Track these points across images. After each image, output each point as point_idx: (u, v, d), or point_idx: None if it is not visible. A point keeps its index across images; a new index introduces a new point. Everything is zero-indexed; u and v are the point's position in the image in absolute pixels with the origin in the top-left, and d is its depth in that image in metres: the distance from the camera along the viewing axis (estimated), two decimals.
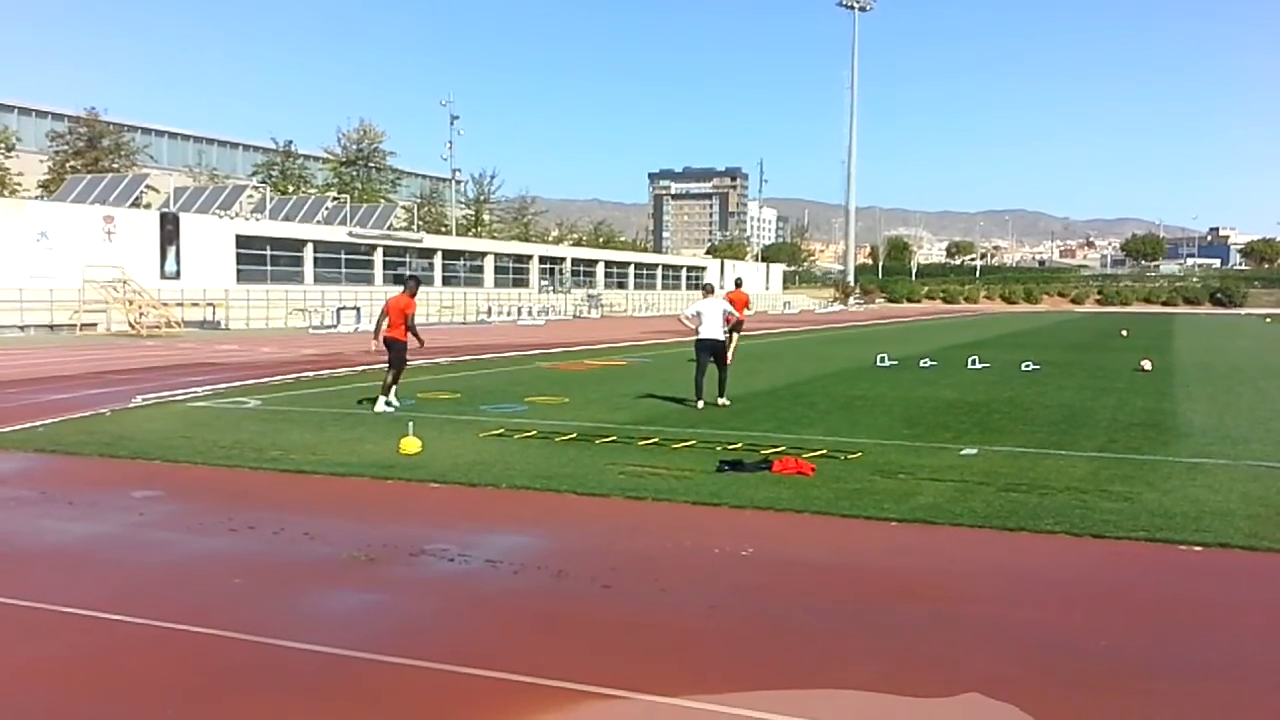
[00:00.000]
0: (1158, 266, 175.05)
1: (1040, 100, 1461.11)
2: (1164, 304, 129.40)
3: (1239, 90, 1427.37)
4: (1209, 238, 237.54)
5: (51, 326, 39.25)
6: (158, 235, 45.69)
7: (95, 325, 40.74)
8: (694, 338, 16.07)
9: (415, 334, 15.30)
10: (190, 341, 34.97)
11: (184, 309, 43.53)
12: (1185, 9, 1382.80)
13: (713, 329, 15.86)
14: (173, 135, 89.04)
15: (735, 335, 23.55)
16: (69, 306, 40.06)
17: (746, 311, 24.62)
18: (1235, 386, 20.13)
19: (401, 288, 15.55)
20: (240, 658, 5.25)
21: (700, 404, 15.74)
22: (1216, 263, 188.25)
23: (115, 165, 67.54)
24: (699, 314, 16.04)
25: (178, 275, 45.90)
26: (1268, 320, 72.40)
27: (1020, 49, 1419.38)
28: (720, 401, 16.00)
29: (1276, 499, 9.05)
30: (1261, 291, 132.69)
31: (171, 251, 46.13)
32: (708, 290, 16.75)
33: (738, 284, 26.16)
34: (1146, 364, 24.41)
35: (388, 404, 15.06)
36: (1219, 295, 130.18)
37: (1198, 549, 7.45)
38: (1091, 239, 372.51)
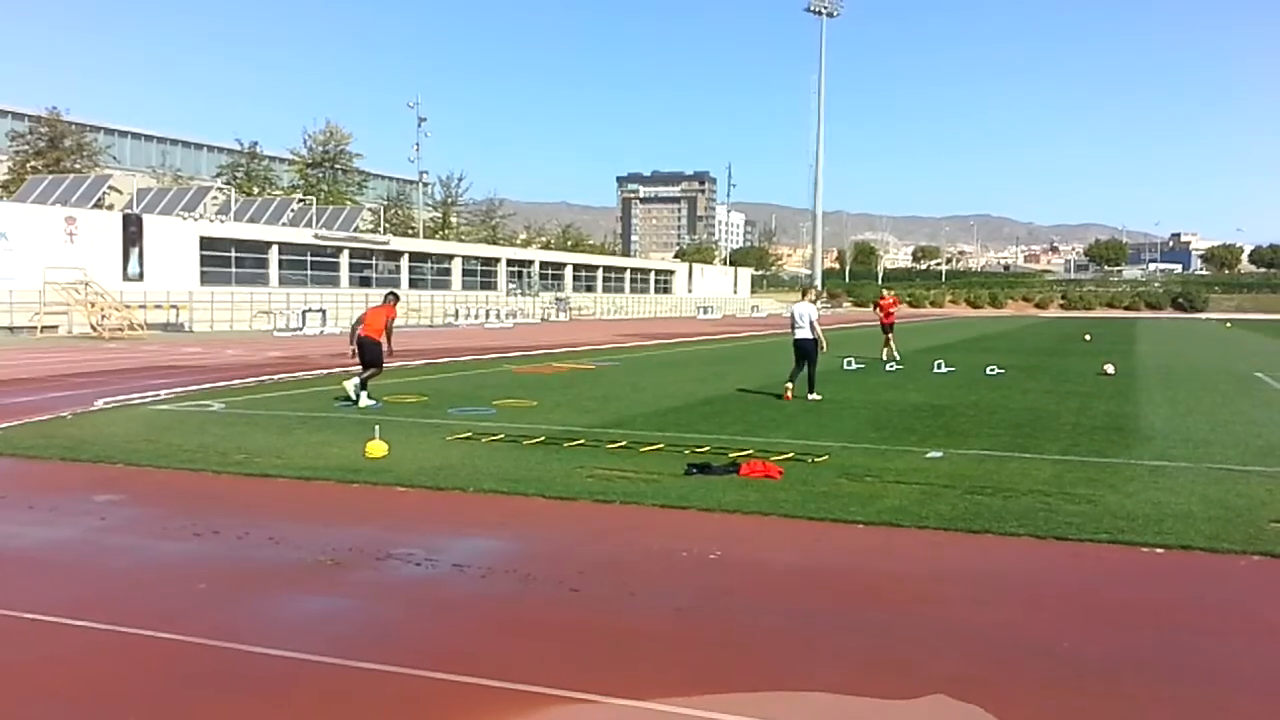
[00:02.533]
0: (1120, 272, 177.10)
1: (1005, 106, 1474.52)
2: (1127, 309, 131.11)
3: (1201, 98, 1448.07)
4: (1171, 243, 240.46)
5: (11, 328, 38.72)
6: (120, 237, 45.25)
7: (56, 327, 40.24)
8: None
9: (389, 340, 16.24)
10: (153, 344, 34.61)
11: (147, 311, 43.09)
12: (1150, 18, 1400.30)
13: (802, 329, 17.35)
14: (136, 136, 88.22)
15: (890, 334, 28.30)
16: (29, 308, 39.57)
17: (894, 311, 29.40)
18: (1196, 390, 20.39)
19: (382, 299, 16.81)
20: (205, 663, 5.20)
21: (789, 394, 17.21)
22: (1178, 268, 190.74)
23: (77, 166, 66.82)
24: (792, 315, 17.72)
25: (141, 277, 45.47)
26: (1228, 325, 73.42)
27: (986, 56, 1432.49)
28: (811, 397, 17.19)
29: (1237, 501, 9.17)
30: (1222, 296, 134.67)
31: (134, 253, 45.70)
32: (804, 291, 18.40)
33: (888, 292, 31.48)
34: (1109, 368, 24.66)
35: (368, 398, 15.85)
36: (1180, 300, 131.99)
37: (1160, 551, 7.53)
38: (1055, 244, 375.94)
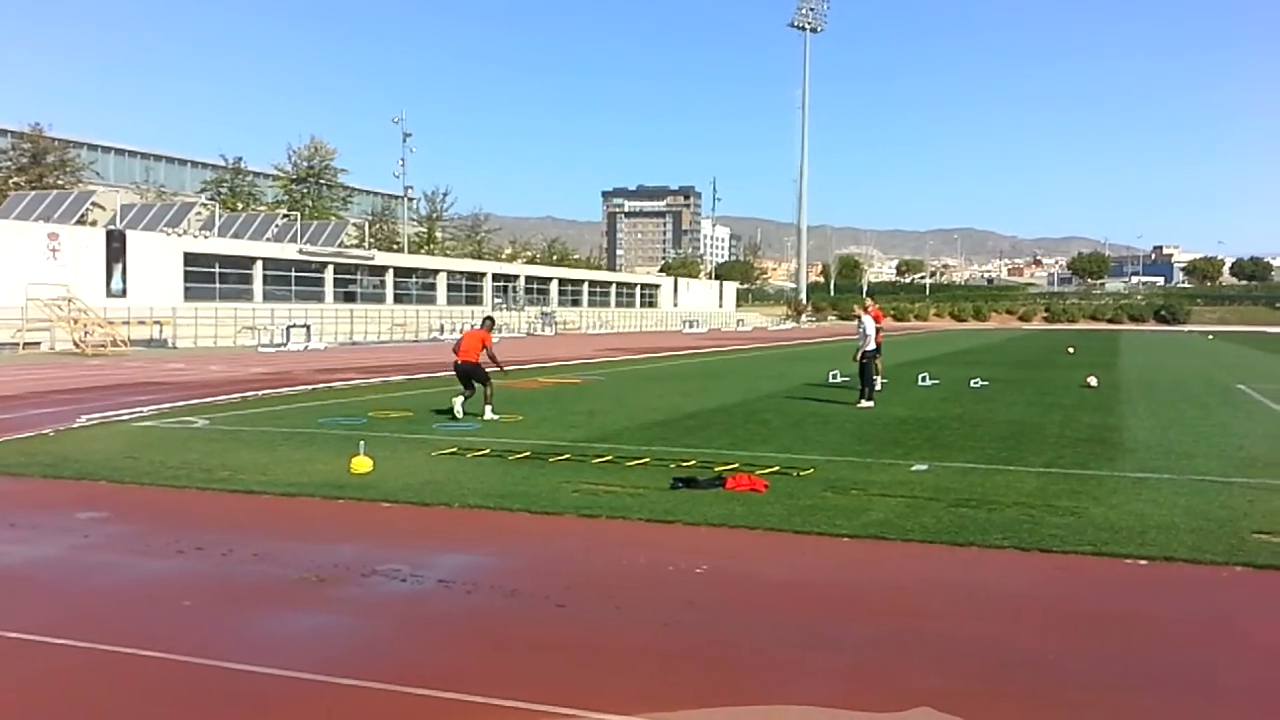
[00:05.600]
0: (1103, 284, 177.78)
1: (989, 120, 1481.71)
2: (1109, 321, 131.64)
3: (1183, 113, 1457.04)
4: (1153, 256, 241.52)
5: None
6: (104, 253, 45.06)
7: (39, 344, 40.01)
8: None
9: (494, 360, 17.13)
10: (137, 360, 34.45)
11: (130, 327, 42.87)
12: (1132, 34, 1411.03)
13: (871, 341, 19.50)
14: (120, 151, 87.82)
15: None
16: (12, 325, 39.32)
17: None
18: (1178, 402, 20.51)
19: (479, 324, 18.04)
20: (189, 681, 5.17)
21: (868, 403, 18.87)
22: (1160, 281, 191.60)
23: (60, 182, 66.61)
24: (865, 329, 19.66)
25: (124, 293, 45.26)
26: (1210, 337, 73.88)
27: (970, 71, 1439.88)
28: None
29: (1219, 513, 9.23)
30: (1204, 309, 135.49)
31: (118, 269, 45.51)
32: (866, 308, 20.87)
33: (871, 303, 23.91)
34: (1093, 380, 24.80)
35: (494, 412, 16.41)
36: (1163, 313, 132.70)
37: (1143, 562, 7.57)
38: (1039, 257, 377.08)
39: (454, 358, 16.73)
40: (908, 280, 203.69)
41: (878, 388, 20.80)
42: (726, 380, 26.54)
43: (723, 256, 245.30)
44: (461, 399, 16.54)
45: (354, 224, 79.51)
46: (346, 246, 67.72)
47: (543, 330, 71.33)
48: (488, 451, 12.70)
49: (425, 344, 51.57)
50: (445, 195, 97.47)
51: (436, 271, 72.40)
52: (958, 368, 32.48)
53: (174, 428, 15.27)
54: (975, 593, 6.90)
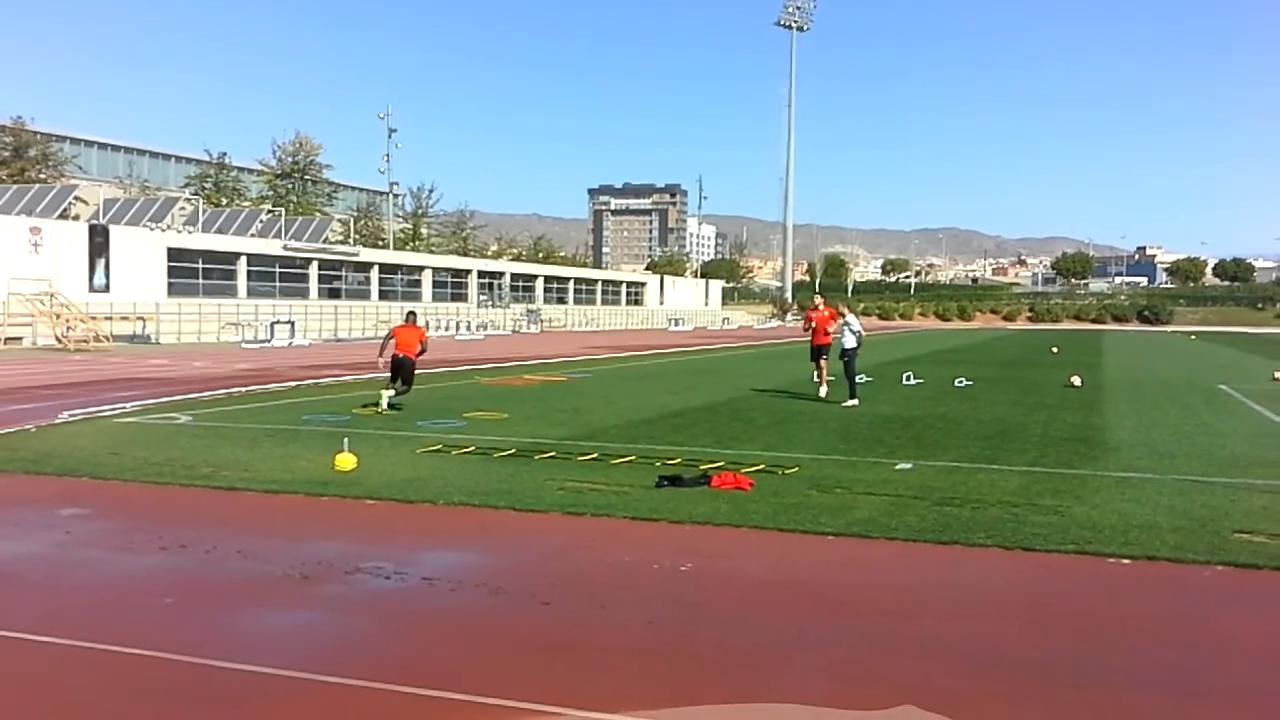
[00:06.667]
0: (1087, 284, 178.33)
1: (973, 120, 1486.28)
2: (1093, 321, 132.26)
3: (1166, 114, 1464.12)
4: (1136, 256, 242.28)
5: None
6: (86, 247, 44.80)
7: (20, 339, 39.77)
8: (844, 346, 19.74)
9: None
10: (119, 356, 34.26)
11: (113, 323, 42.61)
12: (1115, 37, 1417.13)
13: (856, 339, 19.74)
14: (102, 146, 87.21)
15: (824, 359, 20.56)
16: None
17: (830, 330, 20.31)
18: (1161, 402, 20.61)
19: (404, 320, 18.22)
20: (172, 678, 5.15)
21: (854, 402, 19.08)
22: (1144, 281, 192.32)
23: (42, 176, 66.22)
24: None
25: (107, 288, 45.00)
26: (1192, 337, 74.31)
27: (956, 71, 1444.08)
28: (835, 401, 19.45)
29: (1201, 512, 9.28)
30: (1187, 309, 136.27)
31: (101, 264, 45.25)
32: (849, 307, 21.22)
33: (822, 302, 21.48)
34: (1076, 380, 24.89)
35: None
36: (1146, 313, 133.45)
37: (1126, 561, 7.61)
38: (1023, 257, 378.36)
39: (393, 353, 17.29)
40: (893, 279, 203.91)
41: (822, 393, 19.97)
42: (712, 378, 26.57)
43: (709, 255, 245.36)
44: (392, 391, 17.21)
45: (339, 220, 79.18)
46: (331, 243, 67.54)
47: (528, 328, 71.25)
48: (472, 449, 12.68)
49: None
50: (431, 192, 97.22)
51: (422, 268, 72.25)
52: (942, 367, 32.57)
53: (157, 424, 15.19)
54: (958, 591, 6.92)
